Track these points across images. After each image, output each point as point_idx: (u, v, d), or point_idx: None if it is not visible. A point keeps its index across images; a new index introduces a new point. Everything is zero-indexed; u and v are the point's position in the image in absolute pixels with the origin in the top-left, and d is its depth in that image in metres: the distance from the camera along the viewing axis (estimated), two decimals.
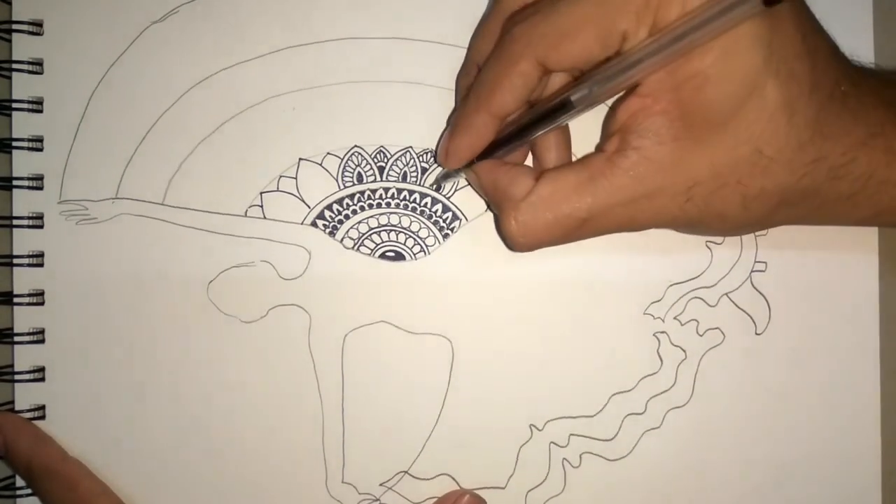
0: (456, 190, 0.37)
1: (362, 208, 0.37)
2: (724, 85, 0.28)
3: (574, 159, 0.34)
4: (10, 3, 0.36)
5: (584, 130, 0.35)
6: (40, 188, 0.36)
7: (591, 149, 0.34)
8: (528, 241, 0.32)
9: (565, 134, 0.34)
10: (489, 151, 0.33)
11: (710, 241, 0.37)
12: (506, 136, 0.32)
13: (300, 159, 0.37)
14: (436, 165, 0.37)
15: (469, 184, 0.36)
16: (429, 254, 0.37)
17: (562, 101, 0.30)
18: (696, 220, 0.31)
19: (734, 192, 0.30)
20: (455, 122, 0.33)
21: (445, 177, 0.36)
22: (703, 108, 0.29)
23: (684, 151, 0.29)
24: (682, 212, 0.31)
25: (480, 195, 0.35)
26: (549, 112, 0.31)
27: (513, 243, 0.32)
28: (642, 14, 0.28)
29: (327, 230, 0.37)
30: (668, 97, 0.29)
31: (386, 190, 0.37)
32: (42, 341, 0.36)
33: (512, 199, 0.31)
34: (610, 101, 0.33)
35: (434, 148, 0.37)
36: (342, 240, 0.37)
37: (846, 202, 0.31)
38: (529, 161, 0.35)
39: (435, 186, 0.37)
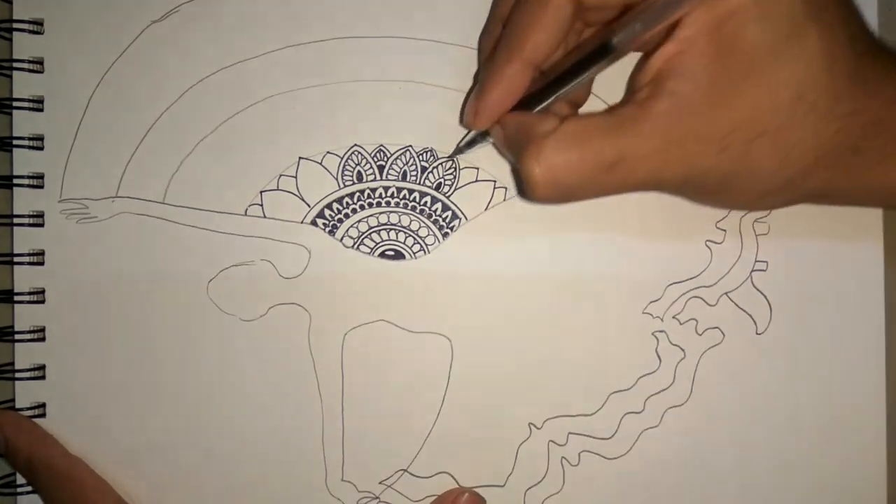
0: (456, 189, 0.37)
1: (362, 207, 0.37)
2: (764, 27, 0.27)
3: None
4: (10, 3, 0.36)
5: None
6: (41, 187, 0.36)
7: None
8: (551, 184, 0.28)
9: (580, 104, 0.33)
10: (517, 109, 0.31)
11: (710, 241, 0.37)
12: (538, 90, 0.30)
13: (300, 158, 0.37)
14: (436, 164, 0.37)
15: (493, 146, 0.35)
16: (428, 253, 0.37)
17: (603, 42, 0.28)
18: (729, 176, 0.29)
19: (771, 143, 0.29)
20: (484, 76, 0.31)
21: (470, 143, 0.35)
22: (743, 50, 0.28)
23: (722, 95, 0.28)
24: (716, 163, 0.29)
25: (504, 154, 0.34)
26: (588, 56, 0.28)
27: (535, 185, 0.29)
28: None
29: (327, 229, 0.37)
30: (705, 41, 0.28)
31: (386, 189, 0.37)
32: (42, 339, 0.36)
33: (535, 136, 0.29)
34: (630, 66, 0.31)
35: (428, 149, 0.37)
36: (342, 239, 0.37)
37: (878, 166, 0.30)
38: None
39: (454, 153, 0.36)
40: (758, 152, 0.29)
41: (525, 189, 0.29)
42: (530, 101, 0.30)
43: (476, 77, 0.35)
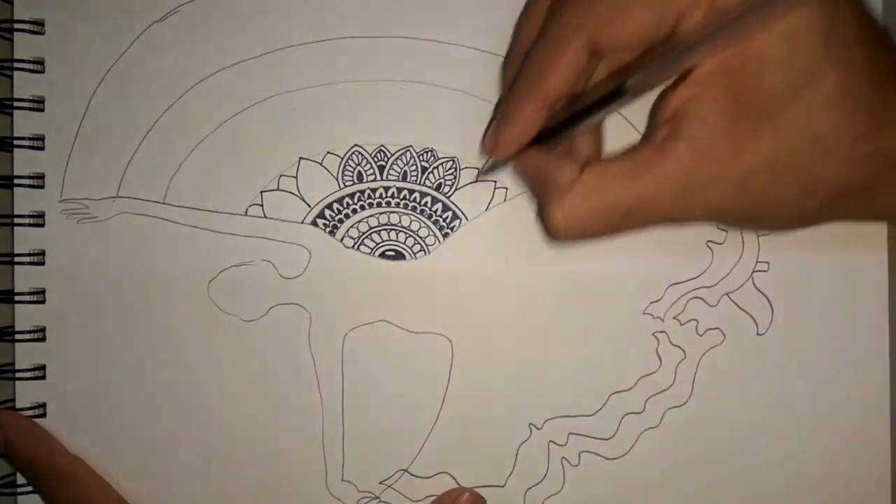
0: (456, 189, 0.37)
1: (362, 207, 0.37)
2: (782, 70, 0.27)
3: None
4: (11, 3, 0.36)
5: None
6: (41, 187, 0.36)
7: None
8: (573, 229, 0.30)
9: (598, 130, 0.33)
10: (535, 141, 0.32)
11: (711, 242, 0.37)
12: (555, 126, 0.31)
13: (300, 158, 0.37)
14: (436, 164, 0.37)
15: (515, 173, 0.35)
16: (429, 253, 0.37)
17: (617, 86, 0.29)
18: (748, 213, 0.30)
19: (789, 184, 0.29)
20: (504, 111, 0.32)
21: (491, 168, 0.35)
22: (760, 94, 0.28)
23: (739, 140, 0.28)
24: (734, 203, 0.29)
25: (525, 184, 0.34)
26: (602, 99, 0.29)
27: (556, 231, 0.30)
28: None
29: (327, 229, 0.37)
30: (722, 83, 0.28)
31: (386, 189, 0.37)
32: (43, 339, 0.36)
33: (558, 186, 0.30)
34: (656, 92, 0.31)
35: (428, 149, 0.37)
36: (342, 239, 0.37)
37: None
38: None
39: (479, 175, 0.37)
40: (776, 192, 0.29)
41: (548, 232, 0.31)
42: (548, 135, 0.32)
43: (496, 108, 0.36)
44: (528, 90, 0.31)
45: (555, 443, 0.37)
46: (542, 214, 0.31)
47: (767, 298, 0.37)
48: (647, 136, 0.31)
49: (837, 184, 0.29)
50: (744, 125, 0.28)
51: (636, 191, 0.29)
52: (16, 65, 0.36)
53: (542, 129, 0.32)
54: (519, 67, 0.32)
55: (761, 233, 0.37)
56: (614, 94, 0.29)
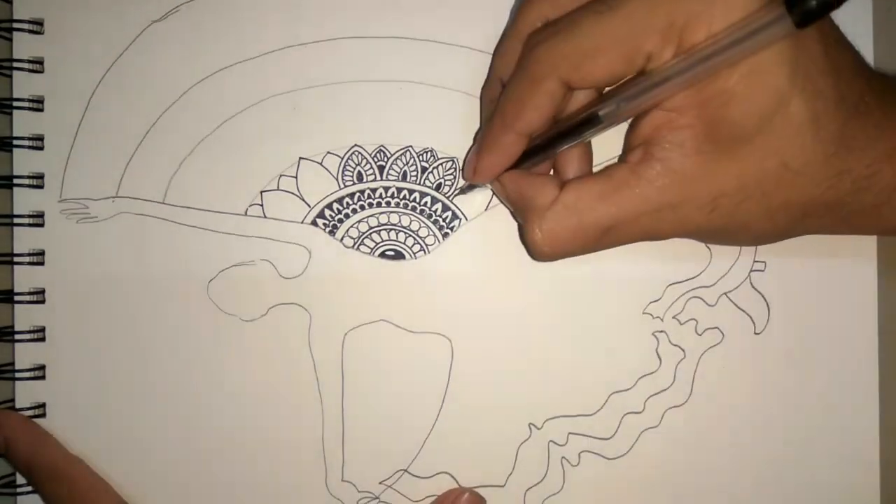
0: (456, 190, 0.37)
1: (362, 207, 0.37)
2: (750, 103, 0.28)
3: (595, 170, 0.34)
4: (10, 2, 0.36)
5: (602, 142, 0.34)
6: (41, 187, 0.36)
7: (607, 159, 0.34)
8: (553, 249, 0.31)
9: (587, 146, 0.34)
10: (515, 164, 0.33)
11: None
12: (532, 150, 0.32)
13: (300, 158, 0.37)
14: (436, 164, 0.37)
15: (494, 194, 0.36)
16: (429, 253, 0.37)
17: (589, 115, 0.30)
18: (721, 231, 0.31)
19: (759, 204, 0.30)
20: (482, 140, 0.33)
21: (470, 187, 0.36)
22: (729, 124, 0.29)
23: (709, 164, 0.30)
24: (707, 222, 0.31)
25: (505, 204, 0.35)
26: (576, 126, 0.31)
27: (537, 252, 0.32)
28: (667, 34, 0.28)
29: (327, 229, 0.37)
30: (692, 112, 0.29)
31: (386, 189, 0.37)
32: (42, 339, 0.36)
33: (536, 207, 0.31)
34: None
35: (428, 149, 0.37)
36: (342, 239, 0.37)
37: (871, 213, 0.31)
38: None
39: (457, 193, 0.37)
40: (745, 213, 0.31)
41: (529, 252, 0.32)
42: (526, 159, 0.33)
43: (476, 136, 0.36)
44: (505, 122, 0.32)
45: (555, 443, 0.37)
46: (524, 235, 0.32)
47: (764, 298, 0.37)
48: (622, 158, 0.32)
49: (807, 203, 0.30)
50: (714, 149, 0.29)
51: (612, 211, 0.31)
52: (15, 64, 0.36)
53: (522, 155, 0.33)
54: (497, 98, 0.33)
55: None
56: (586, 121, 0.31)
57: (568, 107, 0.32)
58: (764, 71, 0.28)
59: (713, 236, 0.33)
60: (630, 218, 0.31)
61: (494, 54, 0.35)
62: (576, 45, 0.29)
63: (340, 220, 0.37)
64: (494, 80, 0.34)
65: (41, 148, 0.36)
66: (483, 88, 0.35)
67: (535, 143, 0.32)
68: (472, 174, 0.34)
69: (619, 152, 0.34)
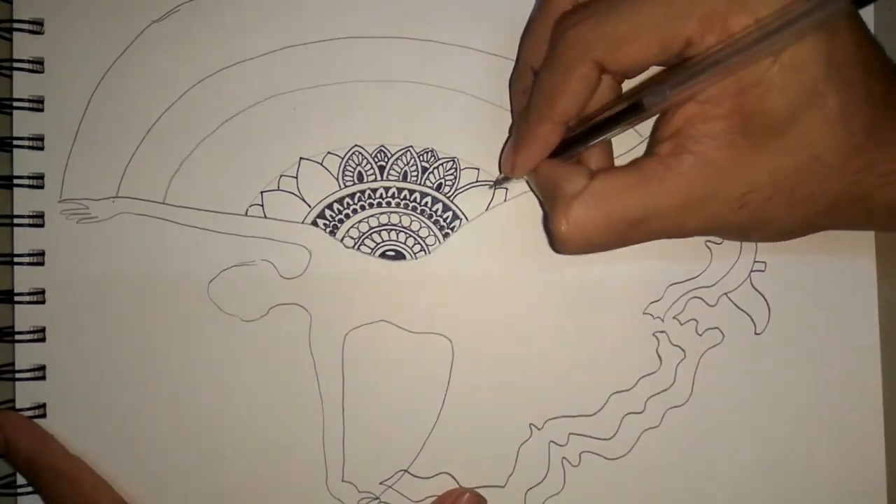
0: (457, 190, 0.37)
1: (363, 207, 0.37)
2: (786, 93, 0.28)
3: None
4: (10, 3, 0.36)
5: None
6: (41, 187, 0.36)
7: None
8: (578, 239, 0.31)
9: (607, 142, 0.34)
10: (550, 154, 0.32)
11: (710, 241, 0.37)
12: (568, 140, 0.32)
13: (301, 158, 0.37)
14: (436, 164, 0.37)
15: (527, 184, 0.36)
16: (429, 253, 0.37)
17: (634, 103, 0.30)
18: (747, 226, 0.31)
19: (787, 198, 0.30)
20: (518, 133, 0.33)
21: (506, 179, 0.36)
22: (764, 115, 0.29)
23: (741, 157, 0.29)
24: (735, 217, 0.30)
25: (535, 193, 0.35)
26: (617, 115, 0.30)
27: (562, 241, 0.31)
28: (708, 21, 0.28)
29: (328, 229, 0.37)
30: (727, 103, 0.29)
31: (386, 189, 0.37)
32: (43, 340, 0.36)
33: (565, 195, 0.31)
34: None
35: (429, 149, 0.37)
36: (343, 239, 0.37)
37: (895, 209, 0.31)
38: None
39: (490, 186, 0.37)
40: (773, 208, 0.30)
41: (554, 243, 0.31)
42: (563, 149, 0.32)
43: (511, 129, 0.36)
44: (542, 112, 0.31)
45: (555, 443, 0.37)
46: (550, 224, 0.31)
47: (765, 298, 0.37)
48: (651, 150, 0.31)
49: (833, 198, 0.30)
50: (747, 143, 0.29)
51: (641, 202, 0.30)
52: (15, 65, 0.36)
53: (559, 145, 0.32)
54: (531, 88, 0.32)
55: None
56: (631, 110, 0.30)
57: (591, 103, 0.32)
58: (801, 61, 0.28)
59: (738, 232, 0.32)
60: (658, 211, 0.30)
61: (522, 41, 0.34)
62: (612, 28, 0.29)
63: (341, 221, 0.37)
64: (524, 67, 0.33)
65: (41, 148, 0.36)
66: (512, 78, 0.35)
67: (571, 134, 0.32)
68: (511, 168, 0.33)
69: (649, 144, 0.34)
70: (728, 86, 0.29)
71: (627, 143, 0.36)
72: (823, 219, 0.31)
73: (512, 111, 0.35)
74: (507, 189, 0.37)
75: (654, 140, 0.32)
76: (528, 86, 0.33)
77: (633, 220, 0.30)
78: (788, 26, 0.27)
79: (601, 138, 0.31)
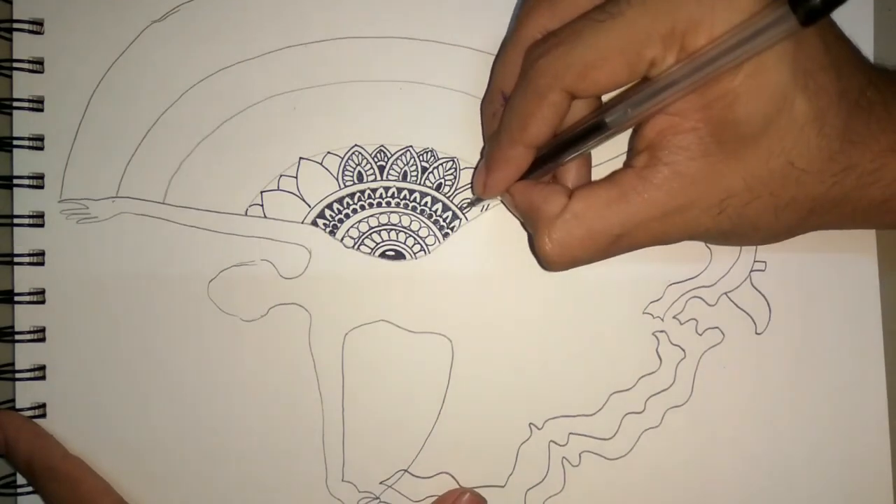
0: (456, 190, 0.37)
1: (363, 207, 0.37)
2: (753, 103, 0.28)
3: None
4: (10, 3, 0.36)
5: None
6: (41, 187, 0.36)
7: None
8: (563, 258, 0.31)
9: (585, 156, 0.34)
10: (522, 175, 0.33)
11: None
12: (538, 160, 0.32)
13: (300, 158, 0.37)
14: (436, 164, 0.37)
15: (504, 204, 0.36)
16: (429, 253, 0.37)
17: (596, 123, 0.30)
18: (729, 232, 0.31)
19: (766, 203, 0.30)
20: (490, 156, 0.33)
21: (479, 200, 0.37)
22: (734, 125, 0.29)
23: (716, 166, 0.30)
24: (715, 224, 0.31)
25: (515, 215, 0.35)
26: (582, 134, 0.31)
27: (548, 262, 0.32)
28: (669, 41, 0.28)
29: (328, 229, 0.37)
30: (697, 115, 0.29)
31: (386, 189, 0.37)
32: (43, 340, 0.36)
33: (546, 217, 0.31)
34: None
35: (428, 149, 0.37)
36: (342, 239, 0.37)
37: (877, 208, 0.31)
38: None
39: (466, 204, 0.37)
40: (753, 213, 0.31)
41: (541, 262, 0.32)
42: (533, 169, 0.33)
43: (482, 152, 0.36)
44: (513, 135, 0.32)
45: (555, 443, 0.37)
46: (534, 246, 0.32)
47: (765, 297, 0.37)
48: (629, 163, 0.32)
49: (814, 201, 0.31)
50: (721, 151, 0.30)
51: (621, 218, 0.31)
52: (15, 64, 0.36)
53: (530, 166, 0.33)
54: (500, 112, 0.33)
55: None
56: (594, 129, 0.31)
57: (567, 118, 0.32)
58: (766, 70, 0.28)
59: (721, 238, 0.32)
60: (639, 224, 0.31)
61: (494, 66, 0.34)
62: (579, 56, 0.29)
63: (341, 220, 0.37)
64: (495, 92, 0.34)
65: (41, 148, 0.36)
66: (483, 102, 0.35)
67: (541, 154, 0.32)
68: (483, 190, 0.34)
69: (610, 155, 0.35)
70: (696, 98, 0.29)
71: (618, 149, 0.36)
72: (805, 222, 0.32)
73: (483, 134, 0.36)
74: (485, 207, 0.37)
75: (630, 151, 0.33)
76: (499, 110, 0.33)
77: (615, 236, 0.31)
78: (743, 45, 0.27)
79: (571, 157, 0.32)
